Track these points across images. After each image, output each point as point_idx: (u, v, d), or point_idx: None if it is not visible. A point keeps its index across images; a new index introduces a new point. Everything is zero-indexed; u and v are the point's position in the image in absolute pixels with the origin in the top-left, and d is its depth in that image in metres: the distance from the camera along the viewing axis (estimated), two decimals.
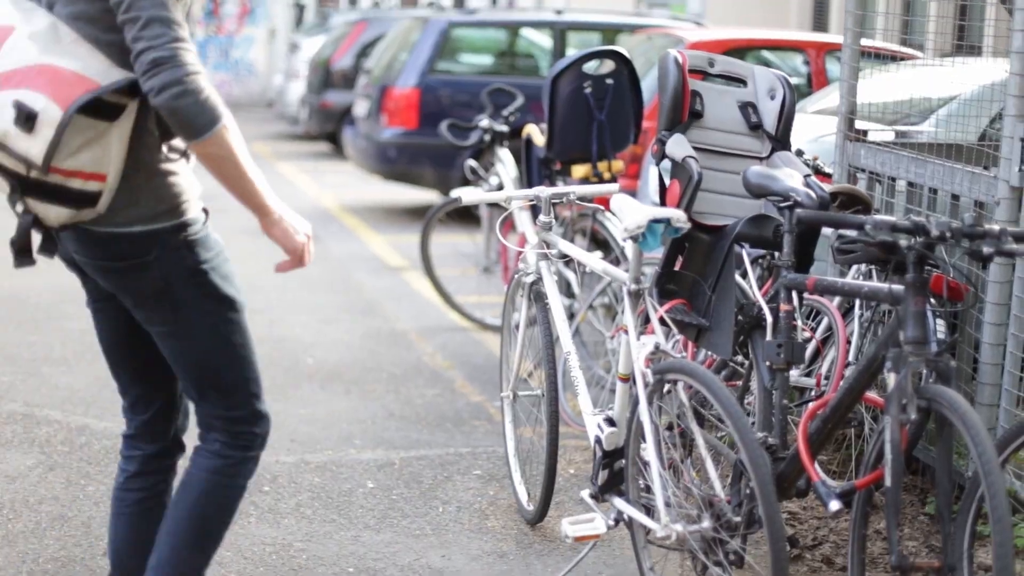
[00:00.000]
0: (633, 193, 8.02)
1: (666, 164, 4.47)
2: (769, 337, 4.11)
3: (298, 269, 3.67)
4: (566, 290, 7.14)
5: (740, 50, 9.77)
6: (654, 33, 10.78)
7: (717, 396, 3.86)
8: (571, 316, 6.74)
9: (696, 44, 9.30)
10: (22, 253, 3.34)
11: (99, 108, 3.19)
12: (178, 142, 3.41)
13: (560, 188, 5.05)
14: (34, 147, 3.13)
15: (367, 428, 6.31)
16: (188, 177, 3.50)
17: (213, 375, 3.58)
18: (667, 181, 4.48)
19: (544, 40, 13.01)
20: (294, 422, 6.34)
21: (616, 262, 6.47)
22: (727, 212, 4.49)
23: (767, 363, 4.12)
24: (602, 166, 6.61)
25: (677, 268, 4.50)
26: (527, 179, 7.08)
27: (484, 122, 8.45)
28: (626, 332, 4.35)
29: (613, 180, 6.50)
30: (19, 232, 3.31)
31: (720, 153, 4.54)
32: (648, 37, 10.64)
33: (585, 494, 4.59)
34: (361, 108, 12.74)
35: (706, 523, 3.96)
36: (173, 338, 3.53)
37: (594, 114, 6.55)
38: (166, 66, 3.18)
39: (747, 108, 4.60)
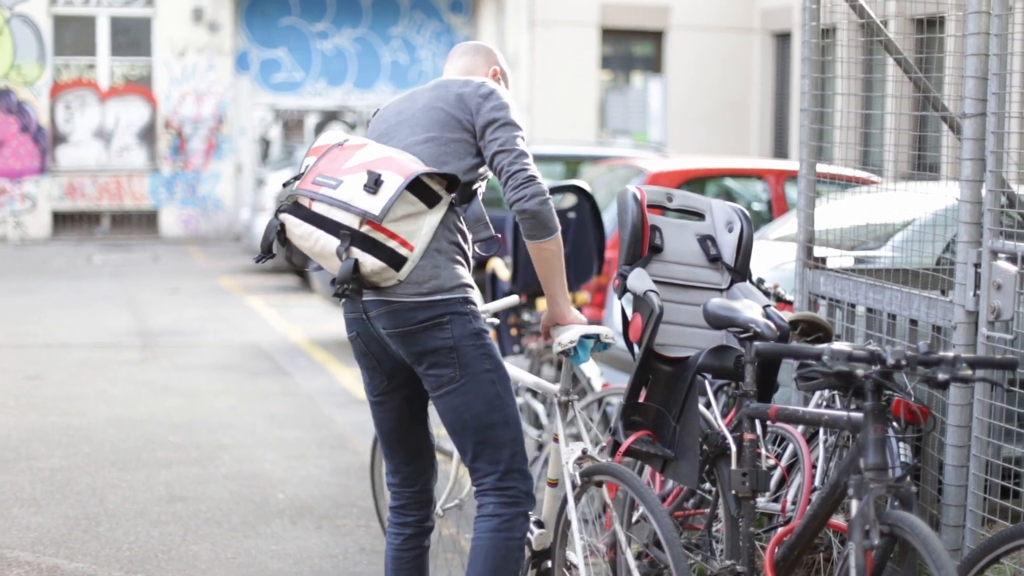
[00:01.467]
0: (599, 323, 8.10)
1: (628, 297, 4.58)
2: (734, 466, 4.19)
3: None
4: (534, 421, 7.18)
5: (701, 179, 9.95)
6: (616, 164, 10.95)
7: (642, 496, 4.19)
8: (540, 447, 6.77)
9: (657, 175, 9.46)
10: (343, 284, 4.22)
11: (422, 192, 4.24)
12: (481, 238, 4.46)
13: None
14: (375, 205, 4.16)
15: (339, 563, 6.31)
16: (470, 263, 4.46)
17: (488, 431, 4.34)
18: (629, 314, 4.58)
19: None
20: (265, 558, 6.35)
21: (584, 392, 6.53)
22: (689, 343, 4.58)
23: (733, 492, 4.18)
24: None
25: (641, 400, 4.58)
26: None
27: None
28: (556, 440, 4.83)
29: (579, 311, 6.58)
30: (342, 272, 4.20)
31: (680, 286, 4.65)
32: (610, 168, 10.81)
33: None
34: None
35: None
36: (457, 394, 4.32)
37: None
38: (535, 182, 4.30)
39: (706, 241, 4.73)
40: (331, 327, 13.60)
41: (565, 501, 4.60)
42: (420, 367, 4.36)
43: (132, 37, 23.78)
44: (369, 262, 4.20)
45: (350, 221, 4.20)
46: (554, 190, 6.71)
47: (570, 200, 6.80)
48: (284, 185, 4.44)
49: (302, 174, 4.36)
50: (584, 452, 4.67)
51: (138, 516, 7.02)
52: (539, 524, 4.87)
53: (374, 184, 4.17)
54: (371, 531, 6.82)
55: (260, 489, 7.58)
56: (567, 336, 4.56)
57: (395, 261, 4.21)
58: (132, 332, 13.22)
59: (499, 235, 4.55)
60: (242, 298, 16.01)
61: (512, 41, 23.77)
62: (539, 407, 7.15)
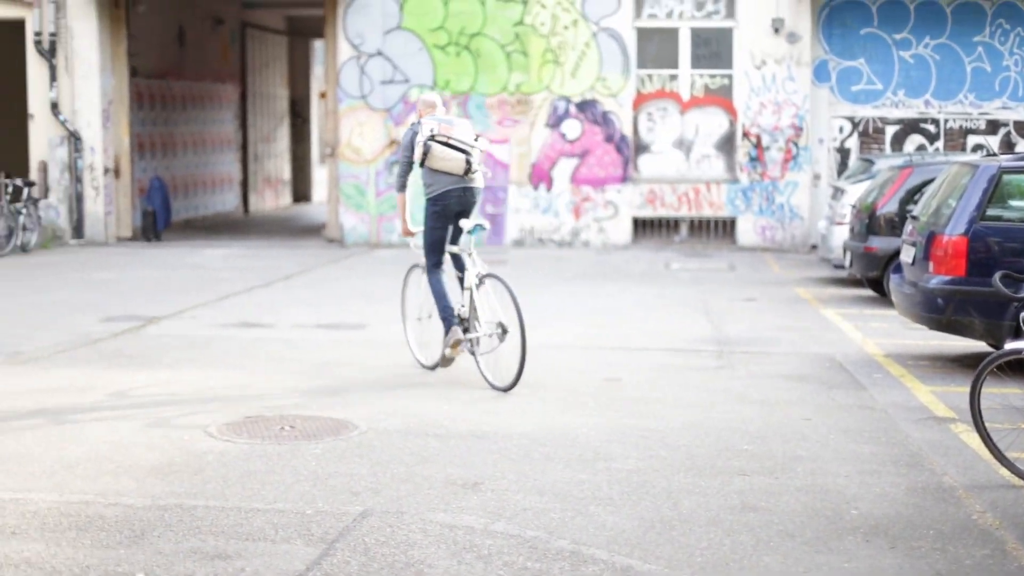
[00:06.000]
0: None
1: None
2: None
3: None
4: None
5: None
6: None
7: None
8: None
9: None
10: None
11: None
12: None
13: None
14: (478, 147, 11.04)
15: None
16: None
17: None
18: None
19: None
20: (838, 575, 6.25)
21: None
22: None
23: None
24: None
25: None
26: None
27: None
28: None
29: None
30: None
31: None
32: None
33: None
34: (907, 255, 12.53)
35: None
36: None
37: None
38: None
39: None
40: (908, 341, 13.27)
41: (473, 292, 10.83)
42: None
43: (713, 48, 24.16)
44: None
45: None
46: None
47: None
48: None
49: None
50: (478, 273, 10.77)
51: (711, 523, 7.08)
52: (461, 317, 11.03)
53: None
54: (947, 555, 6.57)
55: (833, 504, 7.47)
56: (470, 223, 10.91)
57: None
58: (708, 339, 13.40)
59: None
60: (817, 309, 15.90)
61: None
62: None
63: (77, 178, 24.44)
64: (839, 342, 13.31)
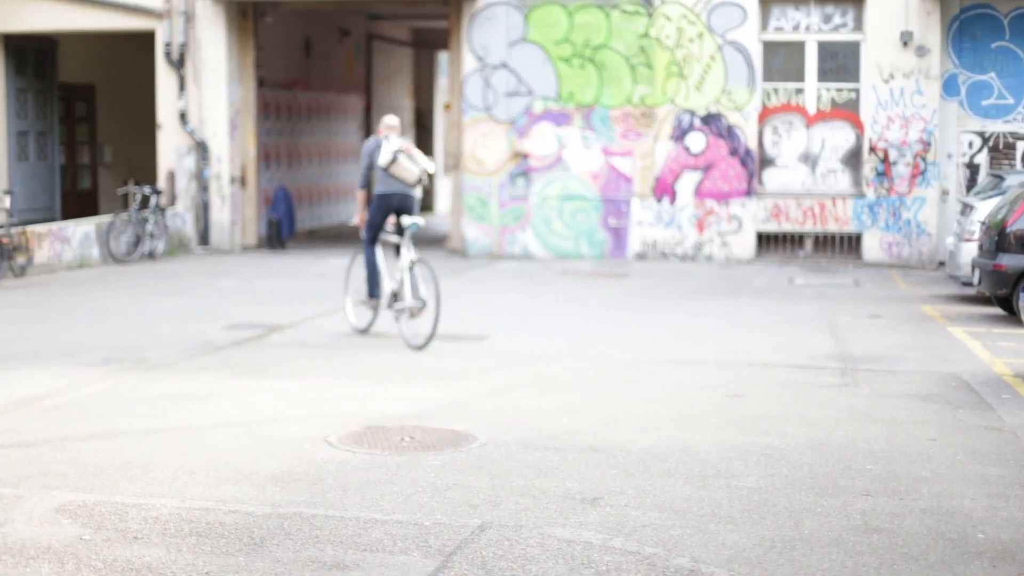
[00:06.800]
0: None
1: None
2: None
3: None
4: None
5: None
6: None
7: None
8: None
9: None
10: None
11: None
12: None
13: None
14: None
15: None
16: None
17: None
18: None
19: None
20: None
21: None
22: None
23: None
24: None
25: None
26: None
27: None
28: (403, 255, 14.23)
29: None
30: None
31: None
32: None
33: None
34: None
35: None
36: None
37: None
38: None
39: None
40: None
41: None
42: None
43: (840, 62, 23.88)
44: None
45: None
46: None
47: None
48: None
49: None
50: (411, 259, 13.74)
51: (833, 544, 6.96)
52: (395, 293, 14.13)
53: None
54: None
55: (958, 527, 7.30)
56: (408, 220, 13.92)
57: None
58: (832, 356, 13.22)
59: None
60: (944, 326, 15.61)
61: None
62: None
63: (203, 187, 24.81)
64: (966, 361, 13.05)
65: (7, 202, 21.26)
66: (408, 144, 14.36)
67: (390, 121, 14.65)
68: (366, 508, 7.47)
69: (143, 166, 28.61)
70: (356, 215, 15.10)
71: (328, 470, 8.34)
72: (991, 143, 23.81)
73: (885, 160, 23.63)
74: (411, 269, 13.91)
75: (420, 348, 13.35)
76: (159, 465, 8.42)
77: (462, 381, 11.61)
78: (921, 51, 23.33)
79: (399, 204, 14.37)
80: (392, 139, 14.33)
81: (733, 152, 23.89)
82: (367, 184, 14.82)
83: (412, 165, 14.15)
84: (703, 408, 10.50)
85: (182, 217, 24.68)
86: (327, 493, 7.80)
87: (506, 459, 8.68)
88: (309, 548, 6.70)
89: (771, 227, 23.96)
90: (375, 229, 14.58)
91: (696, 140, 24.00)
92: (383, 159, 14.15)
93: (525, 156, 24.25)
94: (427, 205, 37.89)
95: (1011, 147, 23.75)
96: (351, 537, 6.89)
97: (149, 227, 23.17)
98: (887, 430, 9.76)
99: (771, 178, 24.07)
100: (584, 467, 8.50)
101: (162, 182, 24.73)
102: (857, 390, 11.40)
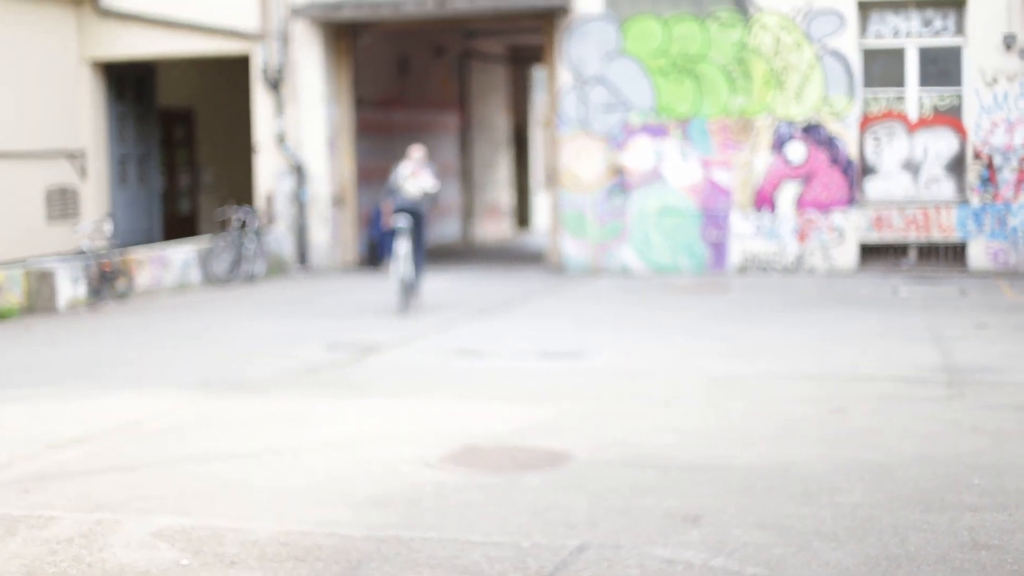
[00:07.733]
0: None
1: None
2: None
3: None
4: None
5: None
6: None
7: None
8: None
9: None
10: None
11: None
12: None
13: None
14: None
15: None
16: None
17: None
18: None
19: None
20: None
21: None
22: None
23: None
24: None
25: None
26: None
27: None
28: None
29: None
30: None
31: None
32: None
33: None
34: None
35: None
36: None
37: None
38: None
39: None
40: None
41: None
42: None
43: (941, 67, 23.50)
44: None
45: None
46: None
47: None
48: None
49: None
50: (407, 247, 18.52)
51: (939, 561, 6.78)
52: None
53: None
54: None
55: None
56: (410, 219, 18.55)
57: None
58: (937, 367, 12.96)
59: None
60: None
61: None
62: None
63: (302, 208, 24.97)
64: None
65: (108, 227, 21.55)
66: (418, 168, 18.90)
67: (410, 152, 19.26)
68: (464, 530, 7.41)
69: (241, 188, 28.87)
70: (384, 219, 19.50)
71: (425, 491, 8.30)
72: None
73: (990, 166, 23.21)
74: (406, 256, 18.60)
75: (402, 312, 18.12)
76: (256, 487, 8.43)
77: (560, 398, 11.53)
78: None
79: (408, 209, 18.78)
80: (405, 164, 19.03)
81: (834, 161, 23.59)
82: (390, 195, 18.97)
83: (413, 186, 18.78)
84: (805, 423, 10.33)
85: (281, 238, 24.86)
86: (425, 515, 7.75)
87: (605, 478, 8.58)
88: (407, 571, 6.65)
89: (873, 237, 23.61)
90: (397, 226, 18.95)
91: (796, 150, 23.73)
92: (396, 181, 18.94)
93: (622, 170, 24.13)
94: (523, 220, 37.88)
95: None
96: (448, 559, 6.83)
97: (248, 249, 23.36)
98: (995, 442, 9.53)
99: (873, 187, 23.74)
100: (684, 485, 8.38)
101: (261, 203, 24.94)
102: (964, 402, 11.15)
